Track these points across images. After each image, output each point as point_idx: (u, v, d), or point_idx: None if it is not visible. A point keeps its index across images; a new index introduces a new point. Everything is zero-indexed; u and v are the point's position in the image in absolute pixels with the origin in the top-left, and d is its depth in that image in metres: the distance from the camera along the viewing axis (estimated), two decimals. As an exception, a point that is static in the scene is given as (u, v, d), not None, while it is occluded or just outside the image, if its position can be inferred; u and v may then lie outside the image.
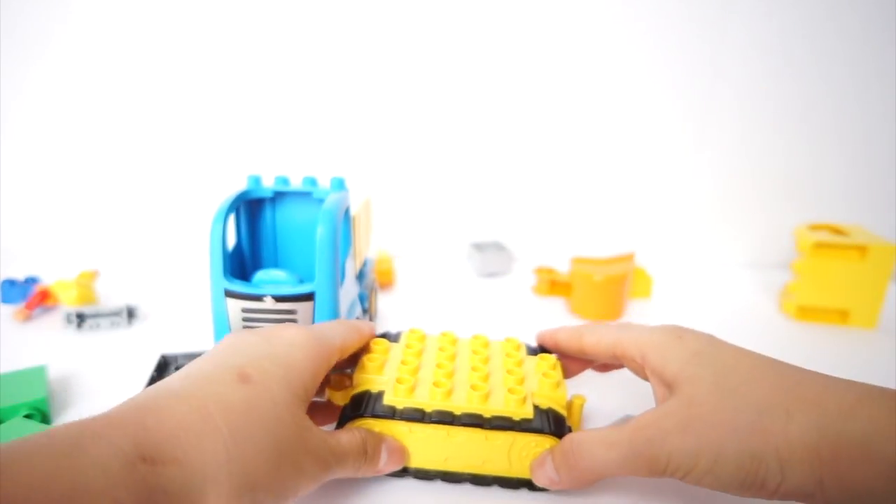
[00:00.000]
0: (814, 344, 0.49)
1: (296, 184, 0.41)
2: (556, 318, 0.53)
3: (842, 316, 0.53)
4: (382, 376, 0.31)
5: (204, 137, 0.64)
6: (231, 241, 0.40)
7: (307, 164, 0.64)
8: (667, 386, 0.26)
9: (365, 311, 0.45)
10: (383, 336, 0.36)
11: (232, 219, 0.39)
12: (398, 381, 0.30)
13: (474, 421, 0.29)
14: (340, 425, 0.30)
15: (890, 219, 0.64)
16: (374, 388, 0.31)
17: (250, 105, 0.62)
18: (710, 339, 0.28)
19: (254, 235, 0.43)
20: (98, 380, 0.40)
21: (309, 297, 0.35)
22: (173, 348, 0.41)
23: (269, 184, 0.41)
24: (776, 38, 0.60)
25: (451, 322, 0.51)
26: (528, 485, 0.30)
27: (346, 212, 0.39)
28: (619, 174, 0.66)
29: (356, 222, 0.42)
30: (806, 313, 0.54)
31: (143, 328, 0.48)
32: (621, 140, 0.65)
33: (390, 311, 0.53)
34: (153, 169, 0.65)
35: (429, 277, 0.62)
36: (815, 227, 0.60)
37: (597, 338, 0.31)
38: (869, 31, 0.59)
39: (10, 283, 0.51)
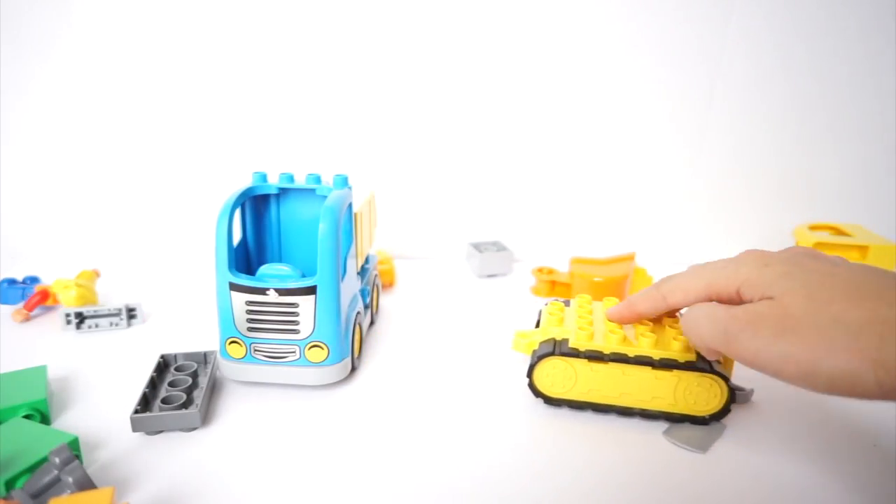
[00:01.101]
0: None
1: (300, 181, 0.42)
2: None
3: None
4: (563, 328, 0.37)
5: (207, 136, 0.64)
6: (237, 237, 0.40)
7: (311, 162, 0.64)
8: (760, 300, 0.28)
9: (367, 306, 0.46)
10: (556, 300, 0.42)
11: (237, 214, 0.40)
12: (580, 328, 0.36)
13: (646, 361, 0.34)
14: (533, 364, 0.36)
15: (890, 219, 0.64)
16: (559, 337, 0.36)
17: (255, 104, 0.63)
18: (795, 259, 0.29)
19: (258, 231, 0.44)
20: (98, 380, 0.40)
21: (311, 290, 0.36)
22: (173, 349, 0.40)
23: (273, 180, 0.42)
24: (775, 39, 0.60)
25: (452, 322, 0.51)
26: (691, 419, 0.35)
27: (349, 208, 0.40)
28: (618, 174, 0.66)
29: (358, 219, 0.42)
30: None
31: (143, 328, 0.48)
32: (621, 140, 0.65)
33: (391, 311, 0.53)
34: (155, 168, 0.65)
35: (429, 277, 0.62)
36: (815, 227, 0.60)
37: (682, 294, 0.33)
38: (869, 30, 0.60)
39: (10, 283, 0.50)
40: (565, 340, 0.36)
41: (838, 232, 0.58)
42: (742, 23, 0.60)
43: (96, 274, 0.53)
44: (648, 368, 0.34)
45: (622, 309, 0.36)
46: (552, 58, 0.62)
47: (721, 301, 0.31)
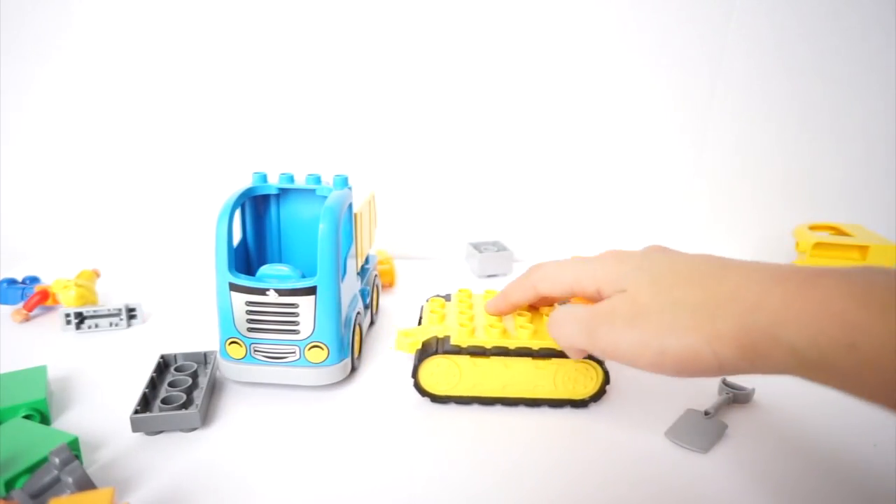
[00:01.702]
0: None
1: (300, 181, 0.42)
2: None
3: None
4: (445, 325, 0.38)
5: (207, 136, 0.64)
6: (237, 237, 0.40)
7: (311, 162, 0.64)
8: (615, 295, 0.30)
9: (367, 306, 0.46)
10: (437, 296, 0.42)
11: (238, 215, 0.40)
12: (461, 325, 0.37)
13: (526, 352, 0.35)
14: (417, 363, 0.36)
15: (890, 219, 0.64)
16: (441, 334, 0.37)
17: (255, 104, 0.63)
18: (646, 254, 0.31)
19: (258, 231, 0.44)
20: (98, 380, 0.40)
21: (311, 290, 0.36)
22: (173, 349, 0.40)
23: (273, 181, 0.42)
24: (776, 39, 0.60)
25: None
26: (570, 403, 0.37)
27: (349, 209, 0.40)
28: (619, 174, 0.66)
29: (358, 219, 0.42)
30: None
31: (143, 328, 0.48)
32: (621, 140, 0.65)
33: (391, 311, 0.53)
34: (155, 168, 0.65)
35: (429, 277, 0.62)
36: (815, 227, 0.60)
37: (550, 284, 0.34)
38: (869, 30, 0.60)
39: (10, 283, 0.50)
40: (447, 338, 0.37)
41: (838, 232, 0.58)
42: (743, 22, 0.60)
43: (96, 274, 0.53)
44: (529, 359, 0.36)
45: (498, 300, 0.37)
46: (552, 58, 0.62)
47: (584, 297, 0.32)
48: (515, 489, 0.30)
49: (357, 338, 0.41)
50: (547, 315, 0.37)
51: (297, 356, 0.37)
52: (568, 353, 0.33)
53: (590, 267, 0.32)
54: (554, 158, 0.66)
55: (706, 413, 0.36)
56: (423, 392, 0.37)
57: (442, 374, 0.36)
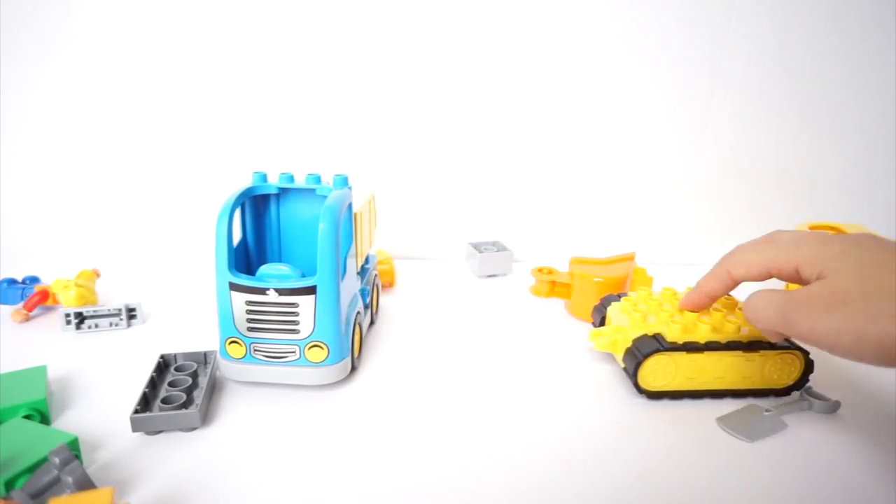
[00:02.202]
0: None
1: (300, 181, 0.42)
2: (555, 318, 0.53)
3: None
4: (646, 323, 0.39)
5: (207, 136, 0.64)
6: (237, 237, 0.40)
7: (311, 162, 0.64)
8: (819, 280, 0.30)
9: (367, 306, 0.46)
10: (626, 295, 0.44)
11: (238, 214, 0.40)
12: (673, 321, 0.38)
13: (737, 345, 0.37)
14: (639, 361, 0.37)
15: (890, 219, 0.64)
16: (650, 332, 0.39)
17: (255, 104, 0.62)
18: (854, 239, 0.31)
19: (258, 231, 0.44)
20: (98, 380, 0.40)
21: (311, 290, 0.36)
22: (173, 349, 0.40)
23: (273, 180, 0.42)
24: (776, 39, 0.60)
25: (452, 322, 0.51)
26: (775, 392, 0.39)
27: (349, 208, 0.40)
28: (618, 174, 0.66)
29: (358, 219, 0.42)
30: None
31: (143, 328, 0.48)
32: (621, 140, 0.65)
33: (391, 311, 0.53)
34: (156, 168, 0.65)
35: (429, 277, 0.62)
36: (815, 227, 0.60)
37: (745, 268, 0.34)
38: (869, 31, 0.60)
39: (10, 283, 0.50)
40: (658, 335, 0.38)
41: (838, 232, 0.58)
42: (742, 23, 0.60)
43: (96, 274, 0.53)
44: (739, 352, 0.38)
45: (693, 295, 0.38)
46: (552, 58, 0.62)
47: (781, 277, 0.32)
48: (509, 484, 0.30)
49: (357, 337, 0.41)
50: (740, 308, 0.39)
51: (297, 356, 0.37)
52: (765, 335, 0.35)
53: (789, 249, 0.32)
54: (554, 158, 0.66)
55: (767, 410, 0.37)
56: (641, 390, 0.38)
57: (660, 370, 0.38)
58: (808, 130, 0.64)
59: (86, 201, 0.66)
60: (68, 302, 0.48)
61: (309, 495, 0.30)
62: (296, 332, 0.37)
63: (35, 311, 0.50)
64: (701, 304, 0.38)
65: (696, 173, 0.66)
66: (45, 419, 0.34)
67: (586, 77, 0.62)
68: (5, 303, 0.50)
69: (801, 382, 0.39)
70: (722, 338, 0.38)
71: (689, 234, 0.69)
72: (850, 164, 0.65)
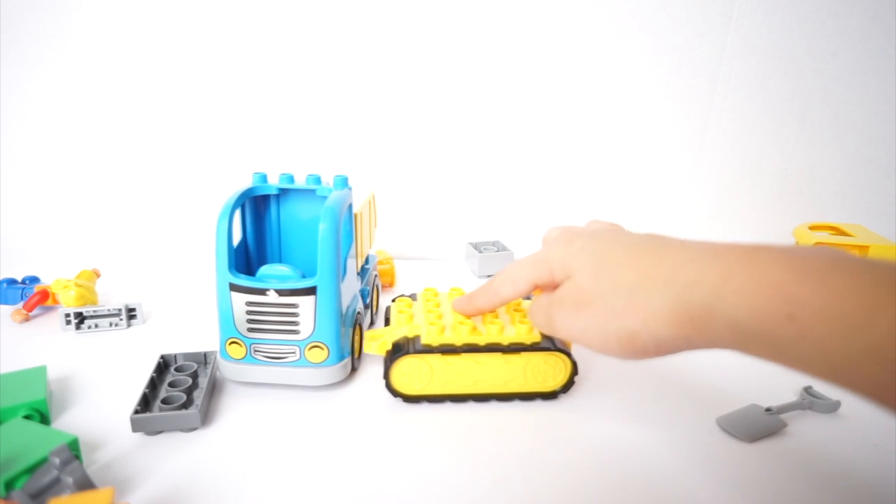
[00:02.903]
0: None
1: (300, 181, 0.42)
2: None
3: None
4: (413, 325, 0.38)
5: (208, 136, 0.64)
6: (237, 238, 0.40)
7: (311, 163, 0.64)
8: (567, 281, 0.31)
9: (367, 306, 0.46)
10: (403, 296, 0.43)
11: (238, 215, 0.40)
12: (430, 324, 0.37)
13: (496, 347, 0.36)
14: (389, 365, 0.36)
15: (890, 219, 0.64)
16: (410, 335, 0.38)
17: (255, 105, 0.63)
18: (594, 233, 0.31)
19: (259, 231, 0.44)
20: (98, 380, 0.40)
21: (311, 290, 0.36)
22: (173, 349, 0.40)
23: (274, 181, 0.42)
24: (777, 39, 0.60)
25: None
26: (541, 396, 0.38)
27: (349, 209, 0.40)
28: (618, 174, 0.66)
29: (358, 219, 0.42)
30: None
31: (143, 328, 0.48)
32: (621, 140, 0.65)
33: (392, 311, 0.53)
34: (156, 168, 0.65)
35: (429, 277, 0.62)
36: (815, 227, 0.60)
37: (512, 286, 0.34)
38: (868, 31, 0.60)
39: (10, 283, 0.50)
40: (417, 337, 0.37)
41: (839, 232, 0.58)
42: (743, 23, 0.60)
43: (96, 274, 0.53)
44: (499, 354, 0.36)
45: (464, 303, 0.38)
46: (552, 58, 0.62)
47: (544, 287, 0.33)
48: (513, 486, 0.30)
49: (357, 338, 0.41)
50: (515, 310, 0.39)
51: (298, 356, 0.37)
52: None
53: (543, 255, 0.32)
54: (554, 158, 0.66)
55: (768, 409, 0.36)
56: (395, 393, 0.37)
57: (414, 373, 0.37)
58: (809, 130, 0.64)
59: (86, 201, 0.66)
60: (68, 302, 0.48)
61: (309, 495, 0.30)
62: (296, 332, 0.37)
63: (35, 311, 0.50)
64: (470, 314, 0.38)
65: (697, 173, 0.66)
66: (45, 419, 0.34)
67: (586, 77, 0.62)
68: (5, 303, 0.50)
69: (568, 385, 0.38)
70: (481, 340, 0.36)
71: (689, 233, 0.68)
72: (851, 164, 0.65)
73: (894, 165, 0.65)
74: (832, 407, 0.37)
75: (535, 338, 0.37)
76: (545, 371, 0.37)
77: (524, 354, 0.36)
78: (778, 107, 0.63)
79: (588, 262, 0.29)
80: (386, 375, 0.37)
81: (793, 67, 0.62)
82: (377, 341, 0.38)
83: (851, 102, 0.63)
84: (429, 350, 0.36)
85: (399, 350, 0.37)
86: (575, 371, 0.37)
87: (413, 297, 0.43)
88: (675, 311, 0.24)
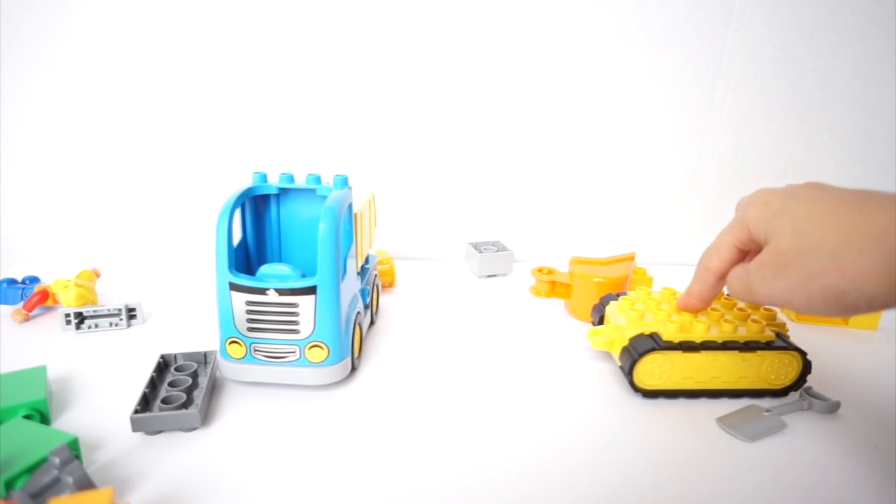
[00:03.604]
0: (815, 345, 0.49)
1: (300, 181, 0.42)
2: (555, 318, 0.53)
3: (843, 317, 0.53)
4: (643, 322, 0.40)
5: (208, 136, 0.64)
6: (237, 237, 0.40)
7: (312, 162, 0.64)
8: (765, 244, 0.31)
9: (367, 306, 0.46)
10: (624, 294, 0.44)
11: (238, 215, 0.40)
12: (670, 321, 0.38)
13: (734, 345, 0.38)
14: (635, 360, 0.37)
15: (889, 219, 0.64)
16: (646, 331, 0.39)
17: (256, 105, 0.63)
18: (792, 192, 0.31)
19: (259, 231, 0.44)
20: (98, 380, 0.40)
21: (311, 290, 0.36)
22: (173, 349, 0.40)
23: (274, 181, 0.42)
24: (777, 39, 0.60)
25: (452, 322, 0.51)
26: (772, 393, 0.39)
27: (349, 208, 0.40)
28: (618, 174, 0.66)
29: (358, 219, 0.42)
30: (807, 315, 0.54)
31: (143, 328, 0.48)
32: (621, 140, 0.65)
33: (391, 311, 0.53)
34: (156, 168, 0.65)
35: (429, 277, 0.62)
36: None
37: (717, 256, 0.35)
38: (869, 31, 0.60)
39: (10, 283, 0.50)
40: (655, 334, 0.38)
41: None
42: (742, 23, 0.60)
43: (96, 274, 0.53)
44: (736, 352, 0.38)
45: (685, 299, 0.38)
46: (552, 58, 0.62)
47: (744, 248, 0.33)
48: (511, 484, 0.30)
49: (357, 338, 0.41)
50: (740, 309, 0.40)
51: (298, 356, 0.37)
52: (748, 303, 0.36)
53: (740, 217, 0.33)
54: (553, 158, 0.66)
55: (767, 410, 0.37)
56: (636, 388, 0.38)
57: (656, 369, 0.38)
58: (808, 130, 0.64)
59: (86, 201, 0.66)
60: (68, 302, 0.48)
61: (309, 495, 0.30)
62: (296, 332, 0.37)
63: (35, 311, 0.50)
64: (693, 307, 0.38)
65: (696, 173, 0.66)
66: (45, 419, 0.34)
67: (586, 77, 0.62)
68: (5, 303, 0.50)
69: (798, 383, 0.39)
70: (718, 337, 0.38)
71: (689, 234, 0.69)
72: (850, 164, 0.65)
73: (893, 166, 0.65)
74: (832, 407, 0.37)
75: (769, 337, 0.38)
76: (778, 369, 0.38)
77: (759, 352, 0.38)
78: (777, 107, 0.63)
79: (787, 224, 0.29)
80: (630, 371, 0.38)
81: (792, 67, 0.62)
82: (602, 337, 0.40)
83: (851, 103, 0.63)
84: (671, 346, 0.37)
85: (644, 346, 0.38)
86: (808, 370, 0.38)
87: (618, 297, 0.44)
88: (886, 269, 0.24)
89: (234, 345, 0.37)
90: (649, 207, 0.68)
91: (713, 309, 0.39)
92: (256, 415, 0.36)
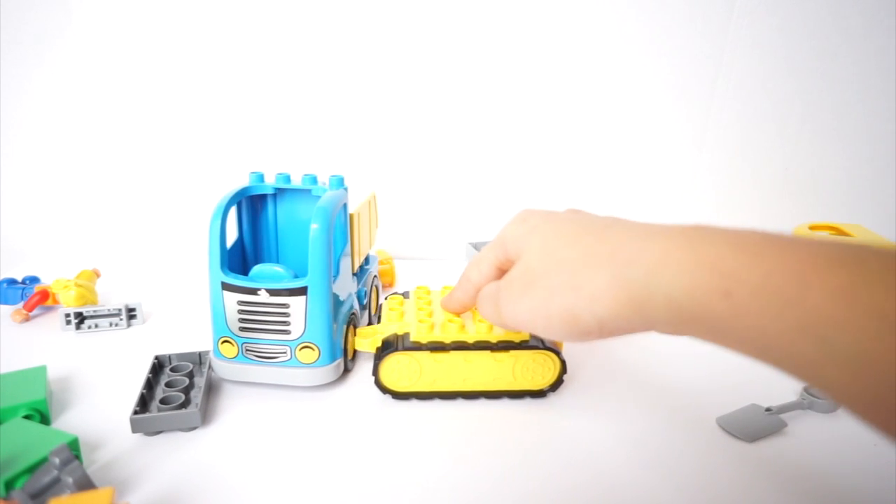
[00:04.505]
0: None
1: (296, 181, 0.42)
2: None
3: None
4: (403, 322, 0.38)
5: (207, 136, 0.64)
6: (234, 237, 0.40)
7: (312, 163, 0.64)
8: (517, 261, 0.30)
9: (364, 307, 0.46)
10: (396, 294, 0.43)
11: (234, 215, 0.40)
12: (420, 321, 0.37)
13: (485, 345, 0.36)
14: (378, 361, 0.36)
15: (890, 219, 0.64)
16: (400, 332, 0.38)
17: (256, 106, 0.63)
18: (549, 214, 0.31)
19: (256, 231, 0.44)
20: (97, 380, 0.40)
21: (302, 291, 0.36)
22: (173, 349, 0.41)
23: (270, 181, 0.42)
24: (778, 38, 0.60)
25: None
26: (530, 394, 0.38)
27: (343, 209, 0.40)
28: (618, 174, 0.66)
29: (355, 220, 0.42)
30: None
31: (143, 328, 0.48)
32: (621, 140, 0.65)
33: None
34: (155, 168, 0.65)
35: (429, 277, 0.62)
36: (815, 227, 0.60)
37: (477, 270, 0.34)
38: (870, 30, 0.59)
39: (10, 283, 0.50)
40: (407, 335, 0.37)
41: (839, 232, 0.58)
42: (744, 22, 0.60)
43: (96, 274, 0.53)
44: (488, 352, 0.36)
45: (446, 299, 0.38)
46: (552, 57, 0.62)
47: (502, 266, 0.33)
48: (505, 484, 0.30)
49: (351, 339, 0.41)
50: None
51: (289, 356, 0.37)
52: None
53: (498, 237, 0.32)
54: (554, 158, 0.66)
55: (768, 409, 0.36)
56: (384, 389, 0.37)
57: (403, 370, 0.37)
58: (809, 130, 0.64)
59: (86, 201, 0.66)
60: (68, 302, 0.48)
61: (308, 495, 0.30)
62: (287, 332, 0.37)
63: (35, 311, 0.50)
64: (455, 309, 0.38)
65: (697, 172, 0.66)
66: (45, 419, 0.34)
67: (587, 77, 0.62)
68: (5, 303, 0.50)
69: (557, 383, 0.38)
70: (470, 338, 0.36)
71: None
72: (852, 164, 0.65)
73: (894, 165, 0.64)
74: (832, 407, 0.37)
75: (524, 336, 0.37)
76: (534, 369, 0.37)
77: (513, 352, 0.37)
78: (779, 106, 0.63)
79: (538, 242, 0.29)
80: (375, 372, 0.37)
81: (793, 67, 0.61)
82: (368, 338, 0.38)
83: (852, 102, 0.62)
84: (417, 347, 0.36)
85: (388, 347, 0.37)
86: (564, 370, 0.37)
87: (406, 295, 0.43)
88: (615, 290, 0.24)
89: (226, 344, 0.37)
90: (649, 207, 0.68)
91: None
92: (253, 415, 0.36)
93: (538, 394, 0.38)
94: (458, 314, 0.38)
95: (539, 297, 0.27)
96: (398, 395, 0.38)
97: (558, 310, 0.26)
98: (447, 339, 0.36)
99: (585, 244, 0.27)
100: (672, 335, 0.24)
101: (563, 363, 0.37)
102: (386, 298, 0.42)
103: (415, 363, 0.37)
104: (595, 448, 0.34)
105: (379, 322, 0.42)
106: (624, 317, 0.24)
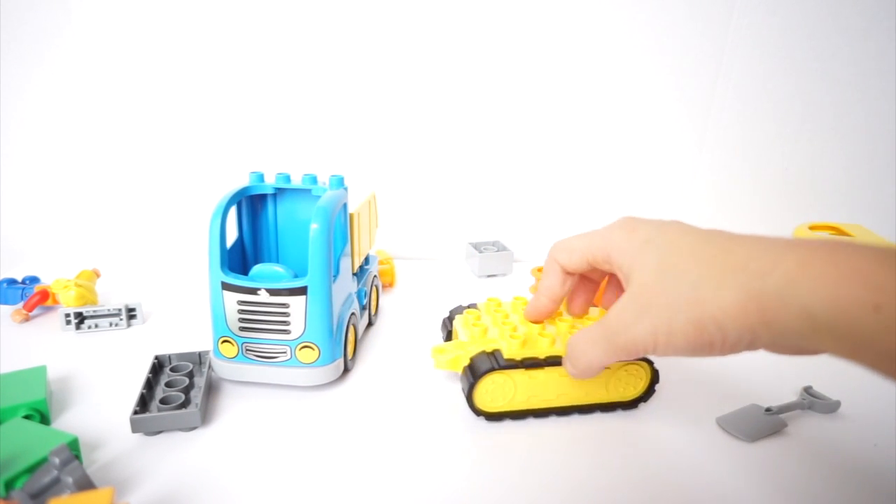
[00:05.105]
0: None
1: (296, 181, 0.42)
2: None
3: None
4: (488, 339, 0.36)
5: (207, 136, 0.64)
6: (234, 237, 0.40)
7: (312, 163, 0.64)
8: (626, 278, 0.29)
9: (363, 307, 0.46)
10: (471, 307, 0.41)
11: (234, 215, 0.40)
12: (512, 337, 0.35)
13: None
14: (472, 383, 0.34)
15: (890, 219, 0.64)
16: (488, 349, 0.35)
17: (256, 106, 0.63)
18: (660, 225, 0.29)
19: (256, 231, 0.44)
20: (97, 380, 0.40)
21: (302, 290, 0.36)
22: (173, 349, 0.41)
23: (270, 180, 0.42)
24: (778, 38, 0.60)
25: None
26: (622, 406, 0.37)
27: (343, 208, 0.40)
28: (619, 174, 0.66)
29: (355, 220, 0.42)
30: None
31: (143, 328, 0.48)
32: (621, 140, 0.65)
33: (391, 311, 0.53)
34: (155, 168, 0.65)
35: (429, 277, 0.62)
36: (815, 227, 0.60)
37: (567, 254, 0.33)
38: (871, 30, 0.59)
39: (10, 283, 0.50)
40: (497, 352, 0.35)
41: (839, 232, 0.58)
42: (744, 22, 0.60)
43: (96, 274, 0.53)
44: None
45: (534, 300, 0.36)
46: (552, 57, 0.62)
47: (598, 265, 0.32)
48: (522, 494, 0.30)
49: (351, 339, 0.41)
50: (589, 318, 0.37)
51: (289, 356, 0.37)
52: (587, 376, 0.32)
53: (604, 234, 0.31)
54: (554, 158, 0.66)
55: (768, 409, 0.36)
56: (477, 412, 0.35)
57: (497, 390, 0.35)
58: (809, 130, 0.64)
59: (85, 201, 0.66)
60: (68, 302, 0.48)
61: (309, 495, 0.30)
62: (287, 332, 0.37)
63: (35, 311, 0.50)
64: (543, 306, 0.35)
65: (697, 173, 0.66)
66: (44, 419, 0.34)
67: (586, 77, 0.62)
68: (5, 303, 0.50)
69: (648, 394, 0.37)
70: (563, 352, 0.34)
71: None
72: (852, 164, 0.65)
73: (894, 165, 0.64)
74: (832, 407, 0.37)
75: None
76: (626, 380, 0.36)
77: (610, 365, 0.34)
78: (778, 107, 0.63)
79: (653, 258, 0.27)
80: (469, 395, 0.35)
81: (793, 67, 0.61)
82: (446, 355, 0.36)
83: (852, 102, 0.62)
84: (512, 365, 0.34)
85: (482, 366, 0.34)
86: (656, 379, 0.36)
87: (472, 306, 0.41)
88: (745, 301, 0.23)
89: (226, 344, 0.37)
90: (650, 207, 0.68)
91: (561, 319, 0.37)
92: (252, 414, 0.36)
93: (629, 405, 0.37)
94: (544, 319, 0.36)
95: (661, 315, 0.26)
96: (492, 417, 0.35)
97: (682, 325, 0.25)
98: (541, 355, 0.35)
99: (708, 256, 0.26)
100: (791, 354, 0.23)
101: (656, 372, 0.36)
102: (461, 313, 0.40)
103: (510, 381, 0.35)
104: (595, 448, 0.34)
105: (448, 338, 0.40)
106: (750, 329, 0.24)
